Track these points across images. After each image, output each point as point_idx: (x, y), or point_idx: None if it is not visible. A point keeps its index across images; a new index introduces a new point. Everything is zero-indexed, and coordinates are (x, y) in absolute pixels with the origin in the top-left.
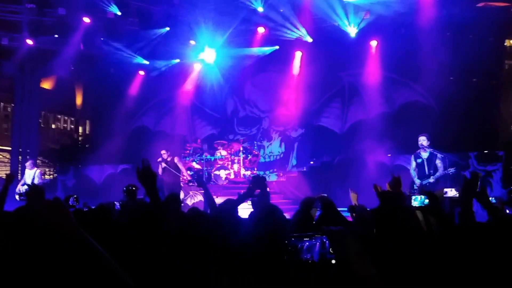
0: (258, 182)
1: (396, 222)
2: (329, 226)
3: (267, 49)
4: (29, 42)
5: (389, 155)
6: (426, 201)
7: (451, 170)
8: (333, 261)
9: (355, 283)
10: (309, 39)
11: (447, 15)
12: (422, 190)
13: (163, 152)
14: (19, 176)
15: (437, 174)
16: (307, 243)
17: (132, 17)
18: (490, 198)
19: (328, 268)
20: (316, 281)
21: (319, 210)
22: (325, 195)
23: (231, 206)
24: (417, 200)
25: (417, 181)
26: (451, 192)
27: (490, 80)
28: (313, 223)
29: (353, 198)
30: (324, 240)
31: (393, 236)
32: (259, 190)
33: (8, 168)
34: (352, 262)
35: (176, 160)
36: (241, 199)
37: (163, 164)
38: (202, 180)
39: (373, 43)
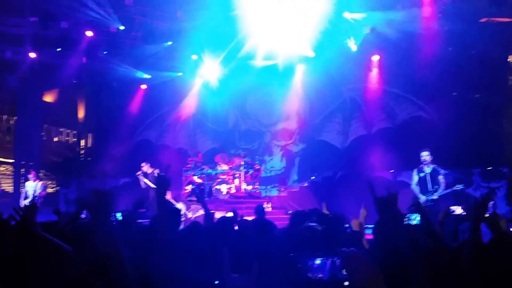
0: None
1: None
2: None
3: (269, 63)
4: (32, 55)
5: (392, 171)
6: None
7: (459, 186)
8: (346, 283)
9: None
10: (311, 54)
11: (450, 31)
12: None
13: (143, 164)
14: (21, 189)
15: (440, 190)
16: (318, 262)
17: (135, 31)
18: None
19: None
20: None
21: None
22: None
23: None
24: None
25: (423, 197)
26: (457, 210)
27: (493, 96)
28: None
29: (362, 214)
30: (335, 259)
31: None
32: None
33: (11, 180)
34: (363, 285)
35: (156, 173)
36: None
37: (142, 178)
38: (202, 196)
39: (375, 58)
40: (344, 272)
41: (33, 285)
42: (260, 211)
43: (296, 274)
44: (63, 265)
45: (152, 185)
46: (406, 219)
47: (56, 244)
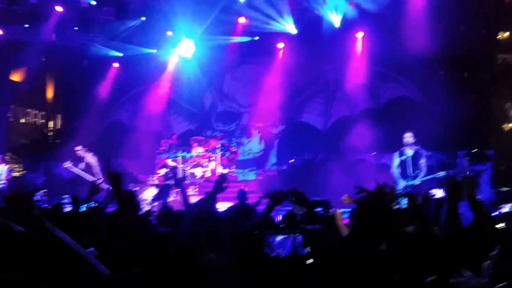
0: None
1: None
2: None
3: (247, 39)
4: None
5: (374, 153)
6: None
7: (441, 173)
8: (309, 260)
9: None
10: (293, 31)
11: (437, 6)
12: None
13: (77, 148)
14: None
15: (421, 175)
16: (279, 238)
17: (108, 6)
18: None
19: (298, 263)
20: (283, 275)
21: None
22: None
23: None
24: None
25: (402, 183)
26: (438, 193)
27: (481, 75)
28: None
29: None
30: (296, 236)
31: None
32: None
33: None
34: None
35: (89, 157)
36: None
37: (72, 168)
38: (179, 180)
39: (359, 35)
40: (308, 249)
41: None
42: (242, 195)
43: (256, 251)
44: None
45: (86, 175)
46: (395, 203)
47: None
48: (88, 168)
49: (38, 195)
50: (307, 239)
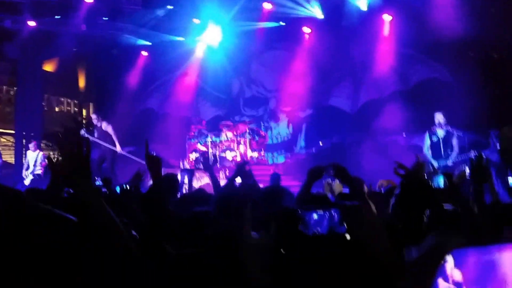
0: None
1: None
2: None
3: (273, 25)
4: (31, 23)
5: (404, 135)
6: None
7: (472, 153)
8: (347, 236)
9: (366, 260)
10: (320, 15)
11: None
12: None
13: (93, 116)
14: (23, 160)
15: (454, 155)
16: (315, 216)
17: None
18: None
19: (336, 242)
20: (322, 255)
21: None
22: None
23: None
24: (440, 182)
25: (435, 162)
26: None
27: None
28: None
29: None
30: (333, 213)
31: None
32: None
33: (12, 151)
34: (366, 238)
35: (104, 126)
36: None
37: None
38: (208, 164)
39: (387, 18)
40: (344, 225)
41: None
42: (275, 178)
43: (293, 229)
44: None
45: (101, 142)
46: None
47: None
48: (103, 136)
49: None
50: (345, 216)
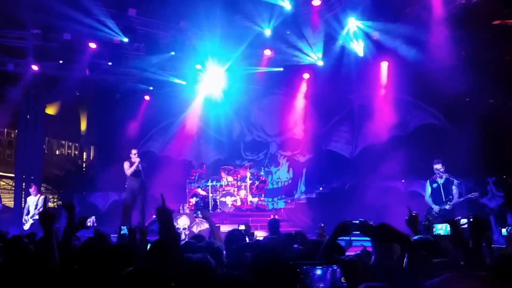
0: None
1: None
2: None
3: (273, 70)
4: (34, 67)
5: (403, 180)
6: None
7: (474, 194)
8: None
9: None
10: (319, 62)
11: (461, 35)
12: (444, 218)
13: (134, 151)
14: (22, 204)
15: (454, 201)
16: (319, 272)
17: (138, 42)
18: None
19: None
20: None
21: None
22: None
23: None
24: (441, 229)
25: (435, 207)
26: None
27: (508, 102)
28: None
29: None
30: (336, 268)
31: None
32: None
33: (11, 195)
34: None
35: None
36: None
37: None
38: (207, 213)
39: (384, 64)
40: (343, 280)
41: None
42: (273, 225)
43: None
44: None
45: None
46: (433, 229)
47: None
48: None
49: (90, 222)
50: (345, 270)
